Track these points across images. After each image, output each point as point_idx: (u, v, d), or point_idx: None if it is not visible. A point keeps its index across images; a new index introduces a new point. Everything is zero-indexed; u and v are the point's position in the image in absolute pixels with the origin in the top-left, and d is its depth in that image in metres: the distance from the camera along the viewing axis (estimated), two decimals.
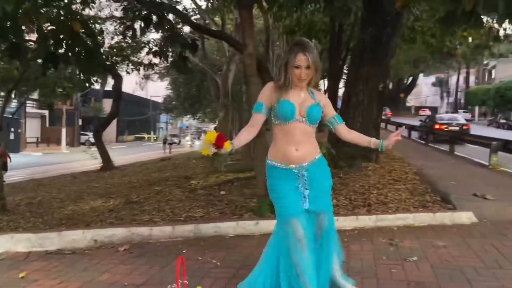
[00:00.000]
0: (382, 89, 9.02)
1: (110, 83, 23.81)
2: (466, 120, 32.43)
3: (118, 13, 13.49)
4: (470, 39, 14.84)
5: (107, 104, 36.92)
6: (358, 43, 8.83)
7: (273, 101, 2.49)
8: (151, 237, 4.14)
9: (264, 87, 2.60)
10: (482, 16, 5.38)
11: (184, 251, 3.82)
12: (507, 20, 4.88)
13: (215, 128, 36.67)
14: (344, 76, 14.95)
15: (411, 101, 69.74)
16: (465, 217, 4.60)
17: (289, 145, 2.47)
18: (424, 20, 11.21)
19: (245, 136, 2.52)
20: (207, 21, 18.80)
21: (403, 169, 8.07)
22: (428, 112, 49.57)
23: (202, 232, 4.20)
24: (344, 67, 13.44)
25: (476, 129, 22.14)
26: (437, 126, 18.58)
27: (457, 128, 18.53)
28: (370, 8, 7.74)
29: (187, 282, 2.80)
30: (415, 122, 24.62)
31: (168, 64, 7.41)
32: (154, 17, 6.13)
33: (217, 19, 17.92)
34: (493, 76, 54.14)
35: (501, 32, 13.24)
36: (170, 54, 6.99)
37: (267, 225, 4.29)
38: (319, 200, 2.52)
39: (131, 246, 3.99)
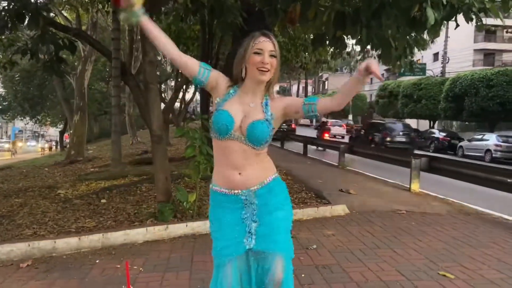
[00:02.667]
0: None
1: None
2: (306, 125, 45.98)
3: None
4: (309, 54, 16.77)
5: None
6: (231, 54, 9.39)
7: (215, 102, 1.89)
8: (55, 250, 3.84)
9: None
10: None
11: (97, 261, 3.69)
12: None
13: (61, 132, 33.44)
14: None
15: None
16: (340, 209, 5.46)
17: (230, 168, 1.86)
18: (282, 37, 12.47)
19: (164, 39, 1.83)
20: (52, 14, 17.27)
21: None
22: None
23: (111, 241, 4.07)
24: None
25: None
26: None
27: None
28: (246, 23, 8.35)
29: None
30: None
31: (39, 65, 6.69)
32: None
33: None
34: (326, 86, 62.14)
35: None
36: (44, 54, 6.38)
37: (177, 229, 4.41)
38: (269, 237, 1.85)
39: (33, 262, 3.66)
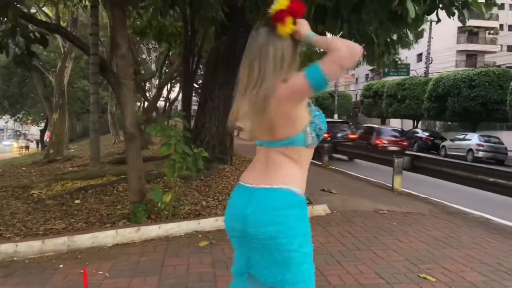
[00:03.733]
0: None
1: None
2: None
3: None
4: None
5: None
6: (213, 50, 9.18)
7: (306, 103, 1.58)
8: (16, 254, 3.61)
9: None
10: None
11: (61, 265, 3.47)
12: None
13: (42, 131, 32.75)
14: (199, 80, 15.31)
15: None
16: (321, 209, 5.32)
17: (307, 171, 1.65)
18: None
19: None
20: (33, 11, 16.87)
21: None
22: None
23: (77, 244, 3.85)
24: (198, 71, 13.73)
25: None
26: None
27: None
28: (228, 19, 8.16)
29: None
30: None
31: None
32: None
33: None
34: None
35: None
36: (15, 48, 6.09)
37: (149, 231, 4.20)
38: None
39: None
